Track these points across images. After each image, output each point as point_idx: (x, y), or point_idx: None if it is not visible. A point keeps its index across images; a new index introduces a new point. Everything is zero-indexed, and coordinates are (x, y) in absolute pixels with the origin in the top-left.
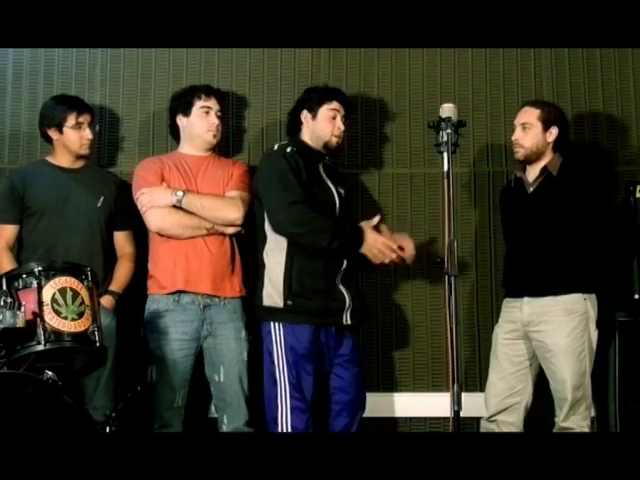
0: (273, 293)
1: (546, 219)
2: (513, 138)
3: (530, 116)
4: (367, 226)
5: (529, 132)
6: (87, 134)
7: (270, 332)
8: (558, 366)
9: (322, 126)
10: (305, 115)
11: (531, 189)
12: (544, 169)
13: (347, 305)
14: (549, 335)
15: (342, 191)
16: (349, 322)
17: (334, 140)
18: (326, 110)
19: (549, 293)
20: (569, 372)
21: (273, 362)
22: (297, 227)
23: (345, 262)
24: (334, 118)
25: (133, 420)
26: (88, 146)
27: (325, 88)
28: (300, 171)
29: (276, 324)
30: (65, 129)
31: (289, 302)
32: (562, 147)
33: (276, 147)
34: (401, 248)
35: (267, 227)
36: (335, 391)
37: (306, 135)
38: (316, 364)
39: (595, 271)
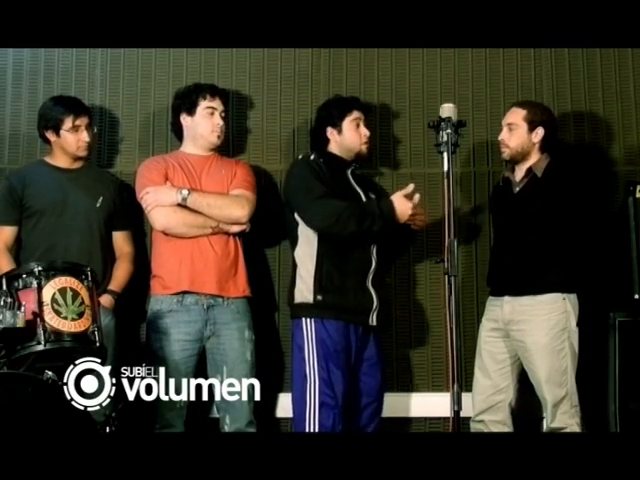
0: (303, 289)
1: (528, 219)
2: (499, 138)
3: (516, 117)
4: (396, 195)
5: (514, 132)
6: (84, 137)
7: (301, 328)
8: (536, 365)
9: (350, 138)
10: (331, 132)
11: (517, 189)
12: (529, 170)
13: (375, 306)
14: (528, 334)
15: (373, 197)
16: (375, 323)
17: (364, 147)
18: (349, 122)
19: (528, 292)
20: (546, 371)
21: (303, 358)
22: (326, 219)
23: (374, 263)
24: (358, 126)
25: (133, 420)
26: (85, 148)
27: (340, 99)
28: (324, 175)
29: (307, 320)
30: (62, 132)
31: (319, 297)
32: (550, 148)
33: (300, 156)
34: None
35: (299, 231)
36: (357, 393)
37: (335, 149)
38: (346, 360)
39: (578, 271)
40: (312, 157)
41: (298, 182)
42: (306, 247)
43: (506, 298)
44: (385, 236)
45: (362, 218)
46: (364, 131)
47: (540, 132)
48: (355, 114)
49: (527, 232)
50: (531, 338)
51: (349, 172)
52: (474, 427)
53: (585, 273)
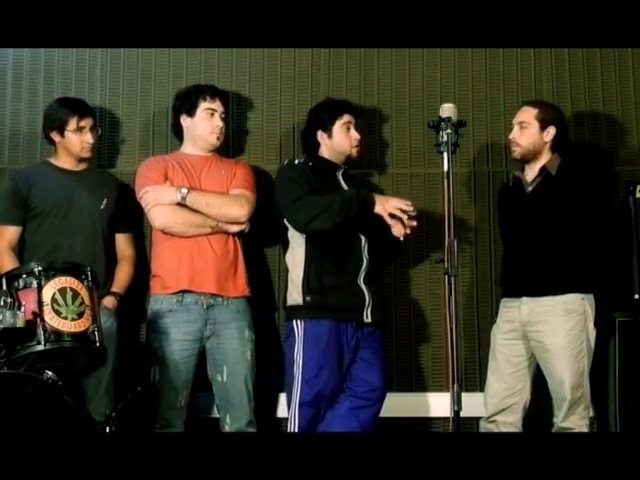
0: (294, 292)
1: (545, 219)
2: (510, 137)
3: (527, 115)
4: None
5: (526, 131)
6: (88, 138)
7: (292, 329)
8: (556, 366)
9: (340, 142)
10: (321, 135)
11: (530, 189)
12: (543, 169)
13: (367, 302)
14: (547, 335)
15: None
16: (370, 320)
17: (354, 151)
18: (339, 126)
19: (547, 293)
20: (567, 372)
21: (292, 358)
22: (307, 216)
23: (366, 261)
24: (348, 130)
25: (133, 420)
26: (89, 149)
27: (331, 103)
28: (308, 177)
29: (297, 321)
30: (67, 132)
31: (308, 298)
32: (561, 147)
33: (286, 162)
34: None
35: (290, 234)
36: (354, 387)
37: (325, 153)
38: (335, 360)
39: (594, 271)
40: (297, 161)
41: (280, 187)
42: (295, 251)
43: (524, 299)
44: (378, 233)
45: (341, 206)
46: (354, 135)
47: (551, 131)
48: (346, 118)
49: (543, 231)
50: (550, 339)
51: (340, 174)
52: (485, 427)
53: (601, 273)
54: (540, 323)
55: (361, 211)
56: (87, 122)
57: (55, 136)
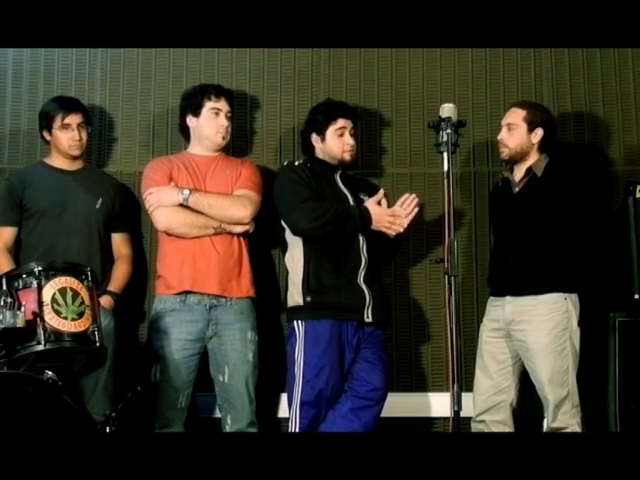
0: (294, 292)
1: (529, 219)
2: (498, 138)
3: (515, 117)
4: (371, 203)
5: (514, 133)
6: (74, 135)
7: (294, 330)
8: (538, 365)
9: (332, 146)
10: (315, 138)
11: (516, 189)
12: (529, 170)
13: (367, 302)
14: (529, 334)
15: (365, 198)
16: (370, 319)
17: (346, 156)
18: (333, 130)
19: (530, 292)
20: (548, 371)
21: (294, 359)
22: (312, 222)
23: (364, 260)
24: (342, 135)
25: (133, 420)
26: (77, 147)
27: (327, 106)
28: (309, 179)
29: (298, 322)
30: (54, 130)
31: (308, 299)
32: (549, 148)
33: (285, 163)
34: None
35: (287, 235)
36: (356, 387)
37: (320, 155)
38: (336, 360)
39: (579, 271)
40: (297, 163)
41: (283, 188)
42: (294, 252)
43: (507, 298)
44: (376, 234)
45: (345, 221)
46: (348, 140)
47: (539, 132)
48: (340, 123)
49: (528, 232)
50: (533, 338)
51: (337, 175)
52: (475, 427)
53: (586, 273)
54: (523, 322)
55: (363, 228)
56: (73, 119)
57: (46, 134)
